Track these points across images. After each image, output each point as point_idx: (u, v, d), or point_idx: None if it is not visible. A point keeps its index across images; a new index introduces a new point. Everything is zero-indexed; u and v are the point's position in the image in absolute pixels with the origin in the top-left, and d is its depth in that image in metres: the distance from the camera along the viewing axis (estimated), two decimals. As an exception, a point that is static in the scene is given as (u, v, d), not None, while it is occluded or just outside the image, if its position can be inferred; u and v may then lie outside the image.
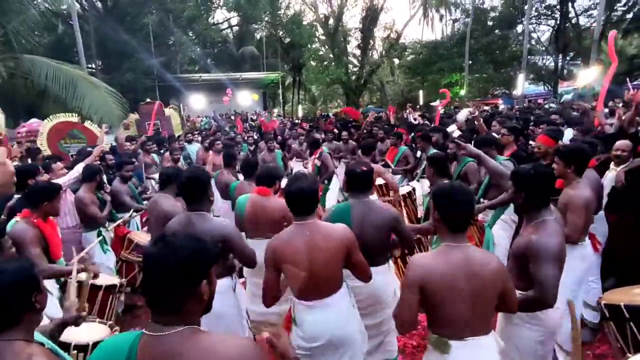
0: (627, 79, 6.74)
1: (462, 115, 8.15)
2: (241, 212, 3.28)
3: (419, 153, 6.09)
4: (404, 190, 5.12)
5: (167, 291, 1.12)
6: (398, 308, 1.89)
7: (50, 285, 2.96)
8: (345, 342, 2.24)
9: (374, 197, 4.87)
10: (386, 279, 2.67)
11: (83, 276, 2.97)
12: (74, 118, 7.85)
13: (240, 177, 4.70)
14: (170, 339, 1.11)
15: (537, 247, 2.00)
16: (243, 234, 3.39)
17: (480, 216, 4.05)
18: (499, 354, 1.88)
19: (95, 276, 2.90)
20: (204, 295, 1.18)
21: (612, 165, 3.72)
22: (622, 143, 3.68)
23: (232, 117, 21.42)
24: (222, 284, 2.55)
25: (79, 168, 4.22)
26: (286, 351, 1.47)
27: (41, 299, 1.41)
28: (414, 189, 5.17)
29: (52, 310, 2.83)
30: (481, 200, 3.99)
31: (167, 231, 2.54)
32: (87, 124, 7.88)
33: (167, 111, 13.44)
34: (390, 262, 2.85)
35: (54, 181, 3.51)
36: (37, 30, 13.24)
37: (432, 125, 7.82)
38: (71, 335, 2.11)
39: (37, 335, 1.41)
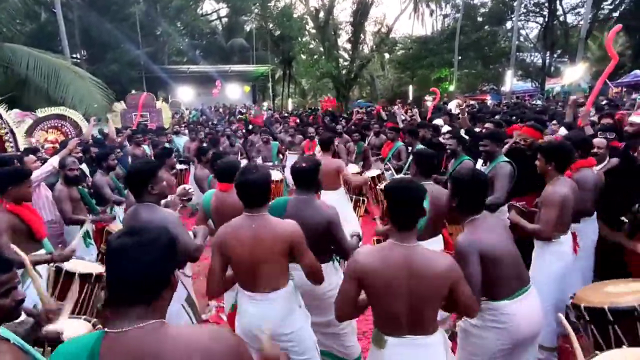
0: (607, 81, 6.78)
1: (453, 104, 8.20)
2: (207, 209, 3.26)
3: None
4: (373, 173, 5.15)
5: (144, 282, 1.08)
6: (338, 296, 1.92)
7: (40, 266, 2.91)
8: (287, 339, 2.20)
9: (341, 191, 4.85)
10: (327, 278, 2.51)
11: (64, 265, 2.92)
12: (63, 111, 7.70)
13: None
14: (140, 335, 1.05)
15: (456, 246, 2.07)
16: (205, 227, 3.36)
17: None
18: (446, 355, 1.86)
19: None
20: (175, 284, 1.17)
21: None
22: (597, 141, 3.67)
23: (221, 110, 21.17)
24: None
25: (52, 161, 4.11)
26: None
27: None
28: (382, 172, 5.21)
29: (35, 297, 2.78)
30: None
31: (124, 222, 2.58)
32: (68, 112, 7.70)
33: (159, 104, 13.23)
34: (336, 263, 2.80)
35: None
36: (19, 18, 12.88)
37: (420, 121, 7.84)
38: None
39: (3, 331, 1.35)
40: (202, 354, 1.05)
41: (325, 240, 2.62)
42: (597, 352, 1.85)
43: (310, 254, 2.20)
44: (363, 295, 1.90)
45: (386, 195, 1.90)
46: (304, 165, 2.68)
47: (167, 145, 7.49)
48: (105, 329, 1.08)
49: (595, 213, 3.33)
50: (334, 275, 2.67)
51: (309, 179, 2.67)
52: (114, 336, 1.06)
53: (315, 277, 2.25)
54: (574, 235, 3.01)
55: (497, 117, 7.70)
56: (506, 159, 3.76)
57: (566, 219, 2.82)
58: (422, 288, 1.74)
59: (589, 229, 3.32)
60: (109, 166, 4.73)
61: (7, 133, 6.31)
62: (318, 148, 6.09)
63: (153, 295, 1.10)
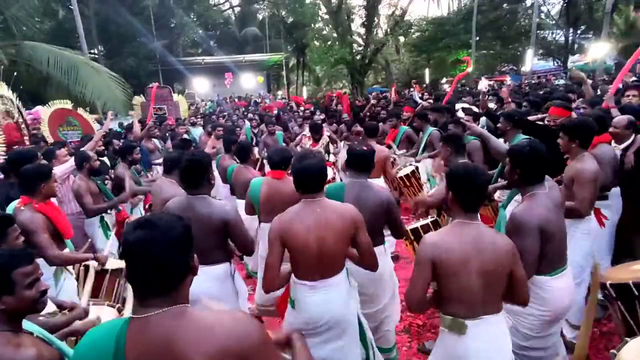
0: None
1: (483, 85, 7.94)
2: (256, 195, 3.25)
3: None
4: (406, 170, 5.07)
5: (164, 274, 1.10)
6: (410, 287, 1.88)
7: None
8: (343, 326, 2.22)
9: (381, 180, 4.83)
10: (382, 262, 2.58)
11: (94, 264, 3.01)
12: (68, 105, 7.79)
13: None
14: (162, 319, 1.08)
15: (515, 219, 2.11)
16: (255, 217, 3.41)
17: (496, 196, 3.98)
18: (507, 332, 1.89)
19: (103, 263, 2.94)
20: (196, 268, 1.19)
21: (613, 142, 3.61)
22: (616, 120, 3.53)
23: (236, 101, 21.26)
24: (221, 270, 2.55)
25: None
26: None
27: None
28: (417, 168, 5.11)
29: (74, 289, 2.88)
30: (499, 180, 3.91)
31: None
32: (80, 111, 7.81)
33: (175, 97, 13.36)
34: (386, 245, 2.81)
35: (55, 168, 3.50)
36: (37, 16, 13.15)
37: (432, 104, 7.68)
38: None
39: (27, 324, 1.40)
40: (224, 338, 1.07)
41: (382, 223, 2.65)
42: (627, 338, 1.83)
43: (368, 237, 2.21)
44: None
45: (452, 179, 1.93)
46: (364, 148, 2.71)
47: (185, 136, 7.56)
48: (131, 315, 1.12)
49: (619, 189, 3.28)
50: (385, 258, 2.70)
51: (366, 162, 2.69)
52: (139, 321, 1.09)
53: (371, 261, 2.23)
54: (597, 210, 3.00)
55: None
56: (525, 137, 3.70)
57: (596, 195, 2.83)
58: (494, 265, 1.79)
59: (615, 203, 3.28)
60: (133, 160, 4.81)
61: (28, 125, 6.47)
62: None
63: (174, 283, 1.12)
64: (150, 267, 1.09)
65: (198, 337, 1.06)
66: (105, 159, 5.31)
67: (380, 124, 7.17)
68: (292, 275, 2.24)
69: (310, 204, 2.15)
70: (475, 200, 1.89)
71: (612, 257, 3.32)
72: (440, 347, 1.96)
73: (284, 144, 7.43)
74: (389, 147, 6.17)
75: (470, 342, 1.81)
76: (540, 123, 4.22)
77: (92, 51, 19.87)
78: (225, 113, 13.06)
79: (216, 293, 2.47)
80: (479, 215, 1.91)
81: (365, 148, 2.72)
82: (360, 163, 2.68)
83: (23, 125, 6.40)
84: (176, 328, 1.06)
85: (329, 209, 2.15)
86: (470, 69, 21.16)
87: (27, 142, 6.17)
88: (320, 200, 2.17)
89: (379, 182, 4.63)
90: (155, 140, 7.13)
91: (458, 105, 6.96)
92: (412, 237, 3.27)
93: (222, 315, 1.15)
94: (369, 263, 2.24)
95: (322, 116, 9.40)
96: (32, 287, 1.40)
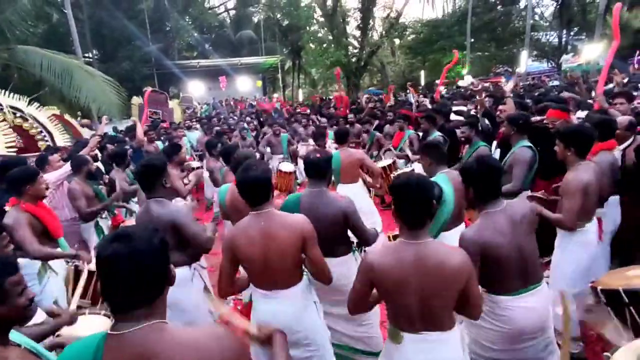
0: (638, 51, 6.43)
1: (466, 82, 7.92)
2: (222, 202, 3.27)
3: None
4: (385, 162, 5.08)
5: (142, 288, 1.07)
6: (351, 292, 1.92)
7: (59, 264, 2.99)
8: (298, 338, 2.18)
9: (360, 184, 4.78)
10: (348, 270, 2.55)
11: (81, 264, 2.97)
12: (55, 110, 7.76)
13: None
14: (141, 336, 1.05)
15: (460, 240, 2.05)
16: (229, 222, 3.37)
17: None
18: (463, 351, 1.86)
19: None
20: (174, 278, 1.17)
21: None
22: (618, 120, 3.50)
23: (232, 104, 21.22)
24: (180, 274, 2.51)
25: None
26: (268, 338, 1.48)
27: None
28: (394, 162, 5.16)
29: (57, 289, 2.85)
30: None
31: (137, 219, 2.60)
32: (67, 116, 7.76)
33: (171, 103, 13.37)
34: (357, 253, 2.78)
35: (48, 174, 3.49)
36: (30, 20, 13.05)
37: (434, 107, 7.67)
38: (66, 331, 2.08)
39: (14, 335, 1.38)
40: (201, 356, 1.05)
41: (343, 232, 2.60)
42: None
43: (319, 251, 2.15)
44: (375, 291, 1.90)
45: (392, 192, 1.81)
46: (317, 156, 2.64)
47: (178, 141, 7.54)
48: (108, 330, 1.09)
49: (618, 198, 3.22)
50: (355, 266, 2.63)
51: (321, 170, 2.63)
52: (116, 337, 1.06)
53: (322, 275, 2.18)
54: (600, 221, 2.90)
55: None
56: (527, 144, 3.60)
57: (590, 206, 2.72)
58: (435, 285, 1.71)
59: (612, 212, 3.22)
60: (127, 164, 4.80)
61: (40, 132, 6.42)
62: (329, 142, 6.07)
63: (153, 296, 1.10)
64: (129, 282, 1.06)
65: (178, 354, 1.04)
66: (99, 163, 5.26)
67: (388, 125, 7.17)
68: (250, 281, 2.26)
69: (255, 217, 2.11)
70: (416, 216, 1.74)
71: (614, 266, 3.22)
72: (383, 353, 1.99)
73: (286, 146, 7.48)
74: (393, 149, 6.18)
75: (409, 353, 1.79)
76: (541, 125, 4.16)
77: (87, 55, 19.78)
78: (221, 116, 13.05)
79: (179, 296, 2.40)
80: (426, 231, 1.78)
81: (318, 155, 2.66)
82: (316, 171, 2.62)
83: (42, 135, 6.35)
84: (155, 345, 1.04)
85: (275, 221, 2.09)
86: (465, 71, 21.30)
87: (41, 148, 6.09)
88: (266, 212, 2.11)
89: (355, 187, 4.62)
90: (159, 143, 7.12)
91: (454, 109, 6.96)
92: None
93: (201, 332, 1.12)
94: (320, 277, 2.21)
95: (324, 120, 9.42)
96: (22, 295, 1.39)
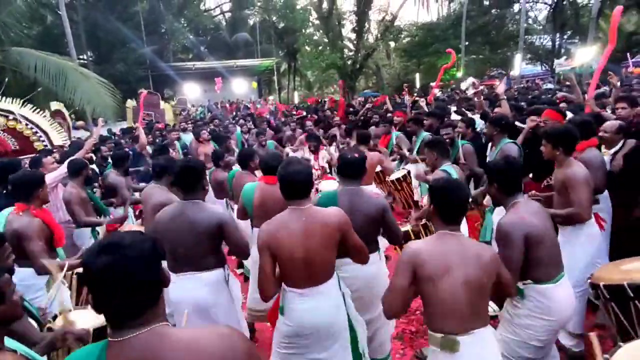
0: (629, 54, 6.51)
1: (467, 83, 7.96)
2: (249, 200, 3.23)
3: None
4: (398, 174, 5.06)
5: (137, 297, 1.04)
6: (388, 291, 1.89)
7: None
8: (334, 333, 2.20)
9: (372, 186, 4.81)
10: (378, 268, 2.63)
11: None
12: (59, 106, 7.73)
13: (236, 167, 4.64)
14: (143, 340, 1.03)
15: (501, 229, 2.14)
16: (248, 222, 3.38)
17: (486, 200, 4.00)
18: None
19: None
20: (168, 279, 1.16)
21: (603, 148, 3.62)
22: (609, 124, 3.57)
23: (227, 106, 21.20)
24: (215, 276, 2.53)
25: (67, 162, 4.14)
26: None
27: None
28: (408, 172, 5.11)
29: (67, 298, 2.81)
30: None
31: (160, 220, 2.54)
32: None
33: (162, 104, 13.34)
34: (382, 252, 2.81)
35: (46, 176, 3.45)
36: (25, 21, 12.96)
37: (428, 110, 7.71)
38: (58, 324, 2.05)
39: (10, 342, 1.37)
40: (210, 356, 1.03)
41: (376, 229, 2.65)
42: (620, 343, 1.82)
43: (356, 235, 2.23)
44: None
45: (434, 192, 1.96)
46: (355, 155, 2.69)
47: (176, 142, 7.51)
48: (108, 338, 1.06)
49: (607, 192, 3.31)
50: (380, 263, 2.71)
51: (358, 169, 2.68)
52: (117, 345, 1.04)
53: (362, 256, 2.30)
54: (597, 215, 3.01)
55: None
56: (510, 140, 3.91)
57: (592, 198, 2.84)
58: (479, 275, 1.77)
59: (607, 206, 3.30)
60: (125, 168, 4.76)
61: (35, 132, 6.38)
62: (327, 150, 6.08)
63: (150, 302, 1.08)
64: (123, 292, 1.02)
65: (183, 356, 1.02)
66: (93, 166, 5.24)
67: (372, 127, 7.20)
68: (282, 282, 2.22)
69: (295, 211, 2.14)
70: (455, 214, 1.91)
71: (609, 259, 3.28)
72: None
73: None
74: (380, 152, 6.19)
75: (469, 358, 1.76)
76: (522, 125, 4.27)
77: (81, 57, 19.68)
78: (216, 119, 13.02)
79: (211, 300, 2.46)
80: (464, 224, 1.95)
81: (356, 155, 2.71)
82: (352, 170, 2.66)
83: (38, 135, 6.30)
84: (159, 348, 1.02)
85: (314, 216, 2.13)
86: (460, 74, 21.44)
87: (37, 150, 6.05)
88: (305, 208, 2.15)
89: (371, 189, 4.64)
90: (177, 144, 7.10)
91: (453, 109, 7.00)
92: (403, 241, 3.27)
93: (205, 332, 1.10)
94: (360, 258, 2.31)
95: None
96: (14, 294, 1.41)
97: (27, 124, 6.31)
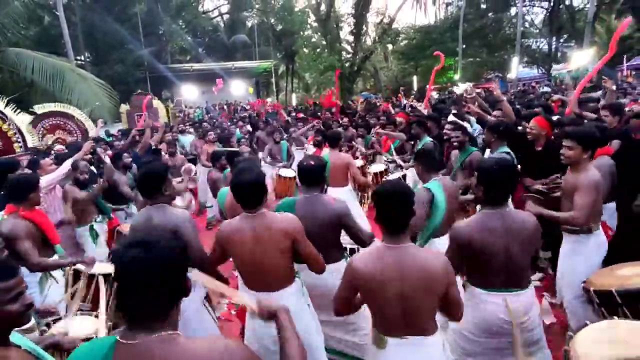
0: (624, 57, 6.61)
1: (462, 88, 7.96)
2: (222, 204, 3.32)
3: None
4: (377, 168, 5.11)
5: (159, 297, 1.05)
6: (335, 295, 1.94)
7: (56, 272, 2.95)
8: None
9: (348, 188, 4.81)
10: (337, 279, 2.58)
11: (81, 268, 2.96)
12: (65, 108, 7.76)
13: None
14: (152, 346, 1.03)
15: (451, 230, 2.19)
16: None
17: (478, 207, 3.97)
18: (444, 355, 1.87)
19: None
20: (189, 289, 1.15)
21: None
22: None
23: (225, 108, 21.19)
24: None
25: (67, 164, 4.14)
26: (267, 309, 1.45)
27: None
28: (386, 168, 5.17)
29: (59, 297, 2.82)
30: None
31: (133, 225, 2.56)
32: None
33: (155, 103, 13.32)
34: (348, 259, 2.77)
35: (43, 177, 3.47)
36: (22, 22, 12.94)
37: (428, 113, 7.74)
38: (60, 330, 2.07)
39: (15, 337, 1.37)
40: None
41: (336, 237, 2.64)
42: (587, 321, 1.91)
43: (309, 243, 2.20)
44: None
45: (374, 199, 1.88)
46: (311, 163, 2.69)
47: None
48: (118, 337, 1.07)
49: (614, 206, 3.29)
50: (341, 273, 2.67)
51: (315, 176, 2.67)
52: (126, 346, 1.04)
53: (317, 265, 2.25)
54: (604, 224, 2.91)
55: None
56: (506, 150, 3.73)
57: (600, 206, 2.74)
58: (416, 289, 1.74)
59: (607, 219, 3.24)
60: (124, 165, 4.79)
61: (15, 133, 6.40)
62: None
63: (168, 307, 1.09)
64: (145, 290, 1.03)
65: None
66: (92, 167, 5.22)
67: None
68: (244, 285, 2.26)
69: (247, 219, 2.15)
70: (397, 222, 1.80)
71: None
72: (369, 356, 2.01)
73: (287, 153, 7.51)
74: (381, 154, 6.22)
75: (393, 358, 1.81)
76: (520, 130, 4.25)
77: (79, 58, 19.65)
78: (214, 120, 13.02)
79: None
80: (407, 236, 1.84)
81: (312, 162, 2.71)
82: (309, 177, 2.67)
83: (17, 137, 6.33)
84: (166, 356, 1.02)
85: (264, 224, 2.12)
86: (457, 76, 21.53)
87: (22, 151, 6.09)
88: (258, 214, 2.15)
89: (343, 191, 4.62)
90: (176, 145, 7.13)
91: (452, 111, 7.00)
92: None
93: (212, 343, 1.11)
94: (315, 268, 2.27)
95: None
96: (16, 301, 1.35)
97: (9, 124, 6.35)
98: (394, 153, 5.93)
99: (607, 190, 3.09)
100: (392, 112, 9.74)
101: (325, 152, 6.42)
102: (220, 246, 2.21)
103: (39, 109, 8.04)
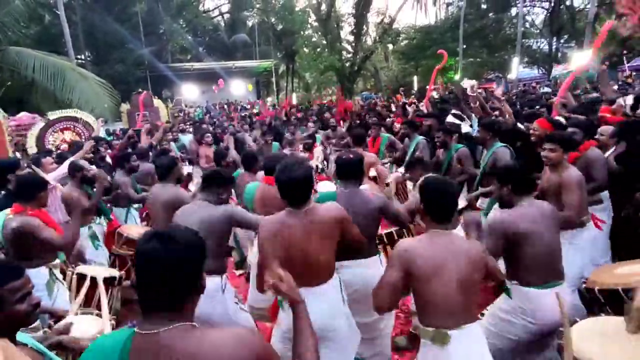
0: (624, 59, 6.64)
1: (467, 84, 7.92)
2: (250, 200, 3.29)
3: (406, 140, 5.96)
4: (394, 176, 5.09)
5: (175, 289, 1.09)
6: (378, 286, 1.89)
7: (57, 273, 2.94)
8: (331, 335, 2.18)
9: (366, 187, 4.82)
10: (375, 273, 2.56)
11: (84, 269, 2.96)
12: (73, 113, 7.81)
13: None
14: (169, 336, 1.06)
15: (487, 221, 2.32)
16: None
17: (478, 202, 4.02)
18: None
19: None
20: (204, 287, 1.18)
21: None
22: (604, 129, 3.67)
23: (226, 107, 21.18)
24: (211, 284, 2.51)
25: (68, 163, 4.13)
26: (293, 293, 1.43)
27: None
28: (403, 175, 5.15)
29: (67, 299, 2.82)
30: (478, 187, 3.97)
31: (177, 219, 2.61)
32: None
33: (155, 102, 13.32)
34: (382, 255, 2.81)
35: (43, 176, 3.46)
36: (23, 21, 12.93)
37: (427, 112, 7.73)
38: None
39: (21, 336, 1.37)
40: (233, 354, 1.06)
41: (375, 231, 2.66)
42: (576, 318, 1.97)
43: (356, 228, 2.27)
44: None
45: (424, 191, 1.95)
46: (350, 156, 2.68)
47: (172, 144, 7.51)
48: (136, 329, 1.10)
49: (607, 192, 3.36)
50: (378, 267, 2.64)
51: (355, 170, 2.67)
52: (144, 337, 1.07)
53: (360, 242, 2.34)
54: (593, 216, 3.04)
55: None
56: (502, 144, 3.91)
57: (585, 200, 2.88)
58: (470, 270, 1.80)
59: (608, 207, 3.34)
60: (131, 168, 4.77)
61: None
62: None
63: (184, 300, 1.11)
64: (163, 280, 1.07)
65: (207, 353, 1.05)
66: (93, 166, 5.22)
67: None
68: None
69: (294, 216, 2.13)
70: (446, 213, 1.90)
71: (611, 259, 3.32)
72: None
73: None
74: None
75: (453, 352, 1.77)
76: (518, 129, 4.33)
77: (79, 57, 19.64)
78: (214, 120, 13.02)
79: (205, 309, 2.34)
80: (450, 226, 1.94)
81: (351, 156, 2.70)
82: (349, 171, 2.66)
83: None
84: (184, 345, 1.05)
85: (312, 218, 2.12)
86: (458, 77, 21.52)
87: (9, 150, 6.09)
88: (307, 209, 2.13)
89: (367, 189, 4.63)
90: (173, 144, 7.10)
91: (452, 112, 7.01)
92: (386, 241, 3.32)
93: (228, 332, 1.14)
94: (359, 246, 2.35)
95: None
96: (23, 301, 1.37)
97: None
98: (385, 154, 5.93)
99: (604, 177, 3.19)
100: (393, 110, 9.74)
101: (317, 153, 6.46)
102: (265, 243, 2.14)
103: (51, 114, 8.14)
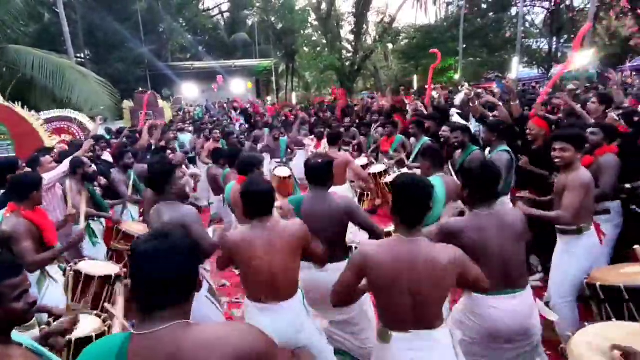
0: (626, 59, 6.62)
1: (459, 98, 8.00)
2: (228, 200, 3.43)
3: (412, 140, 6.00)
4: (377, 168, 5.17)
5: (172, 287, 1.09)
6: (336, 284, 1.92)
7: (55, 271, 2.96)
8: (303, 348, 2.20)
9: (346, 186, 4.85)
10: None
11: (82, 266, 2.96)
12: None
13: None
14: (167, 334, 1.06)
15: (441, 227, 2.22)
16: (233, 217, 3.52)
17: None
18: (453, 349, 1.86)
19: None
20: (201, 284, 1.20)
21: None
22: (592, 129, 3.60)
23: (226, 106, 21.15)
24: None
25: (67, 162, 4.13)
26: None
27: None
28: (388, 169, 5.23)
29: (57, 297, 2.81)
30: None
31: (147, 221, 2.65)
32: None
33: (161, 103, 13.35)
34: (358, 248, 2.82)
35: (43, 175, 3.47)
36: (22, 19, 12.90)
37: (431, 113, 7.71)
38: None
39: (16, 335, 1.37)
40: (235, 347, 1.07)
41: (343, 236, 2.66)
42: (585, 322, 1.89)
43: (316, 240, 2.28)
44: (363, 282, 1.92)
45: (393, 190, 1.87)
46: (318, 161, 2.69)
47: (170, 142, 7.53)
48: (132, 330, 1.10)
49: (619, 205, 3.29)
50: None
51: (323, 175, 2.68)
52: (141, 337, 1.07)
53: (319, 259, 2.38)
54: (597, 226, 2.90)
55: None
56: (506, 148, 3.79)
57: (591, 206, 2.75)
58: (426, 282, 1.74)
59: (615, 219, 3.27)
60: (125, 165, 4.78)
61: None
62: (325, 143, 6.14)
63: (181, 298, 1.12)
64: (162, 279, 1.08)
65: (207, 349, 1.05)
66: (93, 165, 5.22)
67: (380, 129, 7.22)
68: (246, 294, 2.26)
69: (259, 227, 2.16)
70: (414, 216, 1.80)
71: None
72: (373, 354, 2.01)
73: (285, 148, 7.58)
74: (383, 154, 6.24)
75: (397, 352, 1.79)
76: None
77: (79, 55, 19.61)
78: (214, 119, 13.02)
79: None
80: (420, 229, 1.84)
81: (319, 160, 2.71)
82: (317, 175, 2.68)
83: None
84: (182, 342, 1.05)
85: (277, 230, 2.15)
86: (457, 76, 21.52)
87: None
88: (270, 222, 2.17)
89: (341, 189, 4.63)
90: (177, 146, 7.16)
91: (453, 111, 7.01)
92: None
93: (227, 327, 1.16)
94: (319, 261, 2.40)
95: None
96: (20, 299, 1.36)
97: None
98: (400, 150, 5.96)
99: (610, 186, 3.10)
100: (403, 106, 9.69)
101: (324, 143, 6.49)
102: (228, 254, 2.23)
103: (44, 114, 8.09)
